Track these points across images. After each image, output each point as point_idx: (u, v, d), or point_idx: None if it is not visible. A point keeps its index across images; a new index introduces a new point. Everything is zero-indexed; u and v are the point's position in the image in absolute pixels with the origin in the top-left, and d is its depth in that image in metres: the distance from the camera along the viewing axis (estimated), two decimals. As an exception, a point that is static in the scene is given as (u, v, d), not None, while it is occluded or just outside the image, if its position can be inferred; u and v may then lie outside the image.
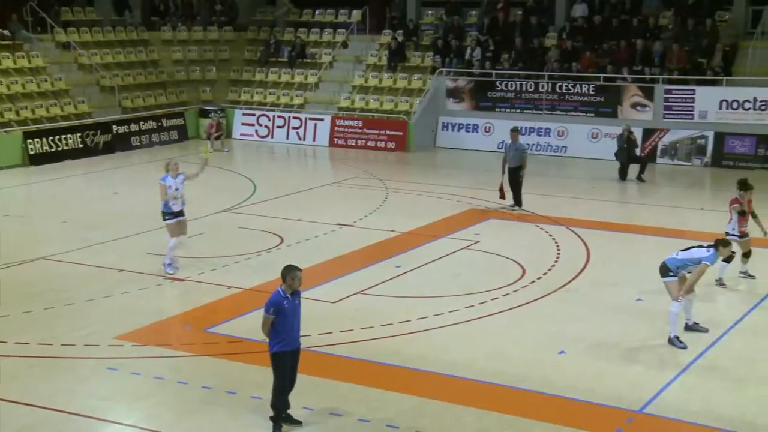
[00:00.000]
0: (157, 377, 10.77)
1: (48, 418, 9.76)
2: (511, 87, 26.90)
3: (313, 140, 28.44)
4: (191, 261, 14.93)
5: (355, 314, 12.82)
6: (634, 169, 22.51)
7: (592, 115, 25.85)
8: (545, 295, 13.67)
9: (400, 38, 29.53)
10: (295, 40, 31.37)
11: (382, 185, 21.93)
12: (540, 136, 26.33)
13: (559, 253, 15.88)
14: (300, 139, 28.68)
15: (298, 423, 9.50)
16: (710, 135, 24.39)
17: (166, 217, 14.47)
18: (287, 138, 28.89)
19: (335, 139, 28.13)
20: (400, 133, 27.35)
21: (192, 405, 10.09)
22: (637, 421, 9.72)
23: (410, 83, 28.76)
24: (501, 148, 21.47)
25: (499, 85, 27.05)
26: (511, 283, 14.17)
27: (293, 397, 9.51)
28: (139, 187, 22.10)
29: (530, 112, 26.64)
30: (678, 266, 11.69)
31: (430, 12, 31.43)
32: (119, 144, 26.98)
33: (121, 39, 30.82)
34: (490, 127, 26.92)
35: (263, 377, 9.92)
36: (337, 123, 28.25)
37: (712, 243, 11.85)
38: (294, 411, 9.54)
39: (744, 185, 14.20)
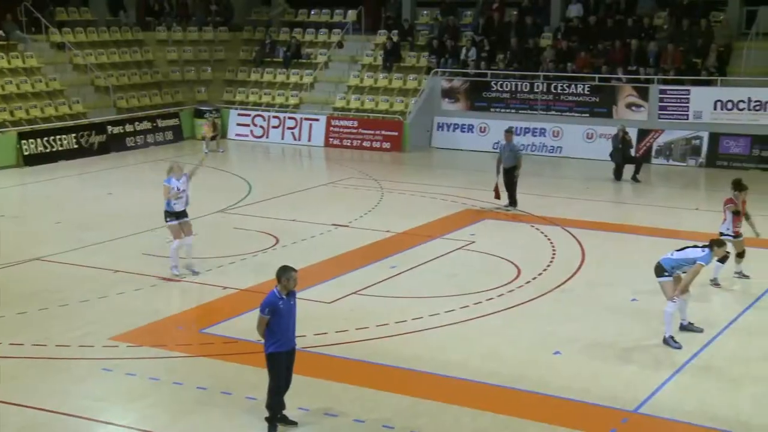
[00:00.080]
0: (152, 378, 10.75)
1: (43, 419, 9.74)
2: (507, 87, 26.92)
3: (309, 140, 28.43)
4: (187, 262, 14.84)
5: (351, 315, 12.83)
6: (629, 170, 22.54)
7: (587, 115, 25.88)
8: (540, 296, 13.68)
9: (395, 38, 29.53)
10: (291, 40, 31.35)
11: (378, 185, 21.94)
12: (535, 136, 26.35)
13: (554, 254, 15.90)
14: (295, 139, 28.67)
15: (294, 423, 9.50)
16: (705, 135, 24.44)
17: (168, 218, 14.41)
18: (282, 138, 28.87)
19: (330, 140, 28.13)
20: (396, 134, 27.36)
21: (187, 406, 10.08)
22: (632, 421, 9.73)
23: (405, 83, 28.78)
24: (496, 149, 21.46)
25: (494, 85, 27.07)
26: (507, 284, 14.19)
27: (288, 398, 9.50)
28: (134, 188, 22.09)
29: (525, 112, 26.67)
30: (673, 266, 11.72)
31: (425, 12, 31.45)
32: (114, 144, 26.94)
33: (115, 39, 30.78)
34: (485, 128, 26.94)
35: (258, 378, 9.92)
36: (333, 123, 28.25)
37: (706, 243, 11.88)
38: (289, 411, 9.53)
39: (738, 185, 14.23)
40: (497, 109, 27.00)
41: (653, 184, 22.76)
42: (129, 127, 27.60)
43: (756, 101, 23.98)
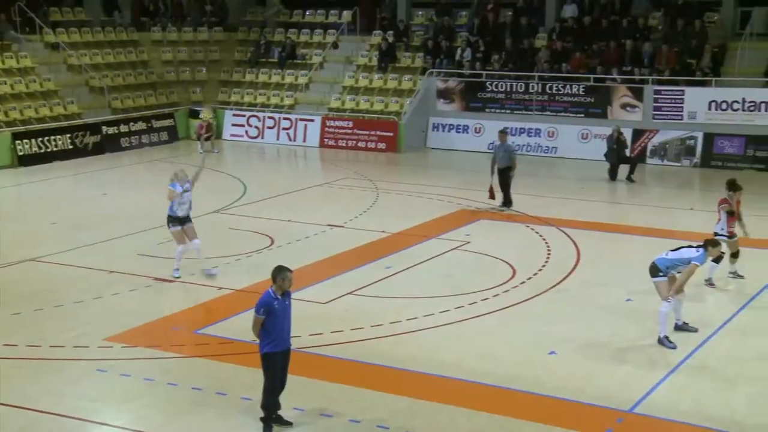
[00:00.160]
0: (147, 379, 10.74)
1: (37, 420, 9.72)
2: (502, 88, 26.94)
3: (304, 141, 28.42)
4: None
5: (346, 315, 12.82)
6: (623, 170, 22.57)
7: (582, 115, 25.91)
8: (535, 296, 13.69)
9: (390, 39, 29.54)
10: (286, 41, 31.34)
11: (373, 186, 21.93)
12: (530, 136, 26.38)
13: (549, 254, 15.91)
14: (290, 139, 28.65)
15: (289, 424, 9.49)
16: (699, 135, 24.48)
17: (171, 224, 14.35)
18: (277, 139, 28.86)
19: (326, 140, 28.12)
20: (391, 134, 27.36)
21: (182, 406, 10.07)
22: (627, 421, 9.74)
23: (401, 84, 28.78)
24: (491, 149, 21.47)
25: (489, 85, 27.09)
26: (502, 284, 14.19)
27: (283, 398, 9.50)
28: (129, 188, 22.07)
29: (520, 112, 26.69)
30: (668, 266, 11.73)
31: (420, 13, 31.44)
32: (109, 145, 26.90)
33: (110, 39, 30.74)
34: (480, 128, 26.96)
35: (253, 378, 9.91)
36: (328, 124, 28.24)
37: (701, 243, 11.90)
38: (284, 412, 9.53)
39: (733, 186, 14.26)
40: (492, 110, 27.02)
41: (648, 184, 22.79)
42: (124, 128, 27.57)
43: (750, 101, 24.04)
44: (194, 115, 29.20)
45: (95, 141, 26.56)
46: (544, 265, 15.21)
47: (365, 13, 31.93)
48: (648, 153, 24.92)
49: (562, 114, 26.17)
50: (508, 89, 26.85)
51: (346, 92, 29.28)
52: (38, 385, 10.55)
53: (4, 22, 27.94)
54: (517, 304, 13.33)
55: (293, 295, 9.59)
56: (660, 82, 25.16)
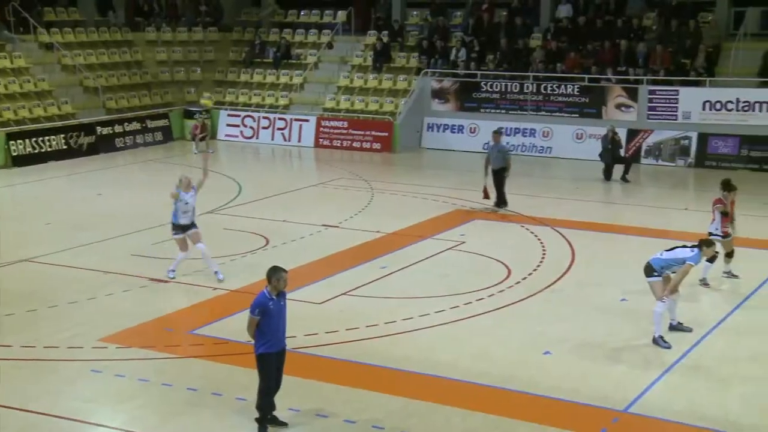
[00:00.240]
0: (141, 379, 10.72)
1: (32, 421, 9.70)
2: (496, 88, 26.96)
3: (299, 141, 28.40)
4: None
5: (341, 315, 12.82)
6: (618, 170, 22.60)
7: (577, 115, 25.94)
8: (530, 296, 13.70)
9: (385, 39, 29.54)
10: (280, 41, 31.32)
11: (368, 186, 21.93)
12: (525, 136, 26.40)
13: (544, 254, 15.92)
14: (285, 140, 28.63)
15: (284, 424, 9.49)
16: (694, 136, 24.53)
17: (174, 232, 14.36)
18: (272, 139, 28.84)
19: (320, 140, 28.11)
20: (386, 134, 27.36)
21: (177, 407, 10.06)
22: (622, 421, 9.76)
23: (395, 84, 28.78)
24: (486, 149, 21.48)
25: (484, 85, 27.11)
26: (497, 284, 14.20)
27: (279, 399, 9.49)
28: (124, 189, 22.03)
29: (515, 112, 26.71)
30: (662, 266, 11.75)
31: (415, 13, 31.46)
32: (103, 145, 26.84)
33: (104, 39, 30.69)
34: (475, 128, 26.97)
35: (249, 379, 9.90)
36: (323, 124, 28.23)
37: (696, 243, 11.92)
38: (280, 412, 9.52)
39: (727, 186, 14.28)
40: (487, 110, 27.04)
41: (642, 184, 22.83)
42: (118, 128, 27.52)
43: (744, 102, 24.08)
44: (189, 115, 29.17)
45: (90, 141, 26.51)
46: (539, 265, 15.23)
47: (360, 13, 31.93)
48: (642, 153, 24.96)
49: (557, 114, 26.20)
50: (503, 89, 26.87)
51: (340, 92, 29.27)
52: (32, 386, 10.52)
53: (-2, 22, 27.92)
54: (512, 304, 13.34)
55: (288, 296, 9.58)
56: (654, 82, 25.20)
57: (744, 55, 24.91)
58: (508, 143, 22.62)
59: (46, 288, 14.06)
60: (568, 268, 15.14)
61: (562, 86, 26.06)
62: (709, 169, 23.79)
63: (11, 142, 24.55)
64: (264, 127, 29.02)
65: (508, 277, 14.59)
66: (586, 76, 25.96)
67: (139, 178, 24.34)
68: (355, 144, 27.56)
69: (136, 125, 28.05)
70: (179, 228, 14.29)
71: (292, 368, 9.84)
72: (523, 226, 17.86)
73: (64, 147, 25.78)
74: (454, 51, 28.09)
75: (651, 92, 25.05)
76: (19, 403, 10.02)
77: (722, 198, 14.20)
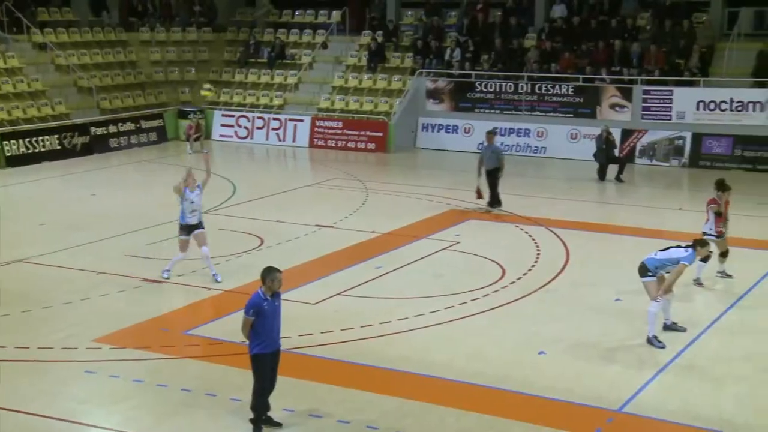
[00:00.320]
0: (135, 380, 10.70)
1: (25, 422, 9.67)
2: (491, 88, 26.98)
3: (293, 141, 28.38)
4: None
5: (336, 315, 12.81)
6: (612, 170, 22.63)
7: (571, 115, 25.97)
8: (525, 296, 13.72)
9: (379, 39, 29.53)
10: (275, 41, 31.30)
11: (362, 186, 21.93)
12: (519, 136, 26.42)
13: (538, 254, 15.94)
14: (280, 140, 28.61)
15: (278, 425, 9.48)
16: (688, 136, 24.57)
17: (181, 232, 14.24)
18: (267, 139, 28.81)
19: (315, 140, 28.09)
20: (380, 134, 27.36)
21: (171, 407, 10.04)
22: (617, 421, 9.77)
23: (390, 84, 28.78)
24: (480, 149, 21.48)
25: (478, 86, 27.12)
26: (491, 284, 14.21)
27: (273, 399, 9.48)
28: (118, 189, 22.00)
29: (510, 112, 26.72)
30: (657, 266, 11.77)
31: (409, 13, 31.45)
32: (97, 145, 26.79)
33: (98, 39, 30.62)
34: (469, 128, 26.98)
35: (243, 379, 9.89)
36: (317, 124, 28.21)
37: (690, 243, 11.94)
38: (274, 413, 9.52)
39: (722, 186, 14.31)
40: (482, 110, 27.05)
41: (637, 184, 22.86)
42: (112, 128, 27.46)
43: (738, 102, 24.14)
44: (183, 115, 29.13)
45: (83, 141, 26.46)
46: (533, 265, 15.24)
47: (355, 13, 31.91)
48: (637, 153, 24.99)
49: (552, 114, 26.23)
50: (498, 89, 26.89)
51: (335, 92, 29.25)
52: (26, 387, 10.49)
53: (-9, 22, 27.84)
54: (507, 304, 13.34)
55: (283, 296, 9.58)
56: (648, 82, 25.24)
57: (737, 55, 24.96)
58: (502, 143, 22.63)
59: (40, 288, 14.02)
60: (563, 268, 15.15)
61: (557, 86, 26.09)
62: (703, 169, 23.84)
63: (5, 142, 24.49)
64: (258, 128, 29.00)
65: (502, 277, 14.60)
66: (581, 76, 25.99)
67: (134, 178, 24.30)
68: (349, 144, 27.55)
69: (130, 125, 28.00)
70: (186, 229, 14.18)
71: (286, 369, 9.83)
72: (517, 226, 17.88)
73: (58, 147, 25.72)
74: (448, 51, 28.10)
75: (645, 92, 25.09)
76: (12, 404, 9.99)
77: (716, 198, 14.22)
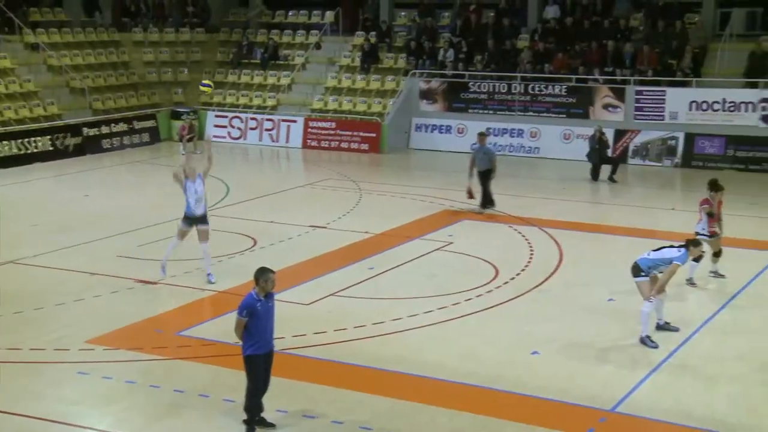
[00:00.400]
0: (128, 381, 10.68)
1: (18, 424, 9.64)
2: (484, 88, 27.01)
3: (286, 142, 28.36)
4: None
5: (329, 316, 12.80)
6: (605, 170, 22.68)
7: (564, 116, 26.01)
8: (518, 296, 13.73)
9: (373, 40, 29.54)
10: (268, 42, 31.27)
11: (356, 187, 21.92)
12: (513, 137, 26.45)
13: (531, 254, 15.95)
14: (273, 140, 28.59)
15: (272, 426, 9.47)
16: (680, 136, 24.63)
17: (183, 222, 14.15)
18: (260, 140, 28.79)
19: (308, 141, 28.08)
20: (374, 135, 27.36)
21: (164, 409, 10.02)
22: (610, 421, 9.78)
23: (383, 85, 28.79)
24: (472, 150, 21.50)
25: (471, 86, 27.15)
26: (485, 284, 14.22)
27: (266, 400, 9.47)
28: (111, 190, 21.95)
29: (503, 113, 26.76)
30: (649, 266, 11.79)
31: (403, 13, 31.47)
32: (90, 146, 26.73)
33: (91, 40, 30.55)
34: (463, 129, 26.99)
35: (236, 380, 9.87)
36: (310, 125, 28.20)
37: (683, 243, 11.97)
38: (267, 414, 9.51)
39: (714, 186, 14.34)
40: (475, 110, 27.08)
41: (630, 184, 22.91)
42: (105, 129, 27.40)
43: (730, 102, 24.21)
44: (176, 116, 29.09)
45: (76, 142, 26.40)
46: (526, 266, 15.25)
47: (348, 13, 31.92)
48: (630, 153, 25.04)
49: (545, 114, 26.26)
50: (491, 90, 26.92)
51: (328, 93, 29.25)
52: (19, 388, 10.46)
53: (-18, 22, 27.75)
54: (500, 304, 13.35)
55: (276, 297, 9.57)
56: (641, 83, 25.30)
57: (730, 55, 25.04)
58: (495, 144, 22.63)
59: (32, 289, 13.98)
60: (556, 268, 15.17)
61: (550, 87, 26.13)
62: (695, 169, 23.90)
63: (-3, 143, 24.43)
64: (252, 128, 28.98)
65: (496, 277, 14.61)
66: (574, 76, 26.04)
67: (126, 179, 24.25)
68: (343, 145, 27.54)
69: (123, 126, 27.94)
70: (191, 220, 14.08)
71: (279, 369, 9.82)
72: (510, 227, 17.89)
73: (51, 148, 25.65)
74: (441, 52, 28.12)
75: (638, 92, 25.15)
76: (4, 406, 9.96)
77: (709, 198, 14.25)
